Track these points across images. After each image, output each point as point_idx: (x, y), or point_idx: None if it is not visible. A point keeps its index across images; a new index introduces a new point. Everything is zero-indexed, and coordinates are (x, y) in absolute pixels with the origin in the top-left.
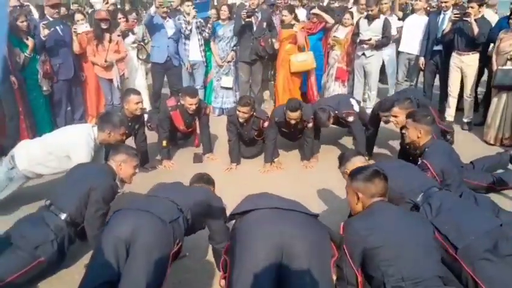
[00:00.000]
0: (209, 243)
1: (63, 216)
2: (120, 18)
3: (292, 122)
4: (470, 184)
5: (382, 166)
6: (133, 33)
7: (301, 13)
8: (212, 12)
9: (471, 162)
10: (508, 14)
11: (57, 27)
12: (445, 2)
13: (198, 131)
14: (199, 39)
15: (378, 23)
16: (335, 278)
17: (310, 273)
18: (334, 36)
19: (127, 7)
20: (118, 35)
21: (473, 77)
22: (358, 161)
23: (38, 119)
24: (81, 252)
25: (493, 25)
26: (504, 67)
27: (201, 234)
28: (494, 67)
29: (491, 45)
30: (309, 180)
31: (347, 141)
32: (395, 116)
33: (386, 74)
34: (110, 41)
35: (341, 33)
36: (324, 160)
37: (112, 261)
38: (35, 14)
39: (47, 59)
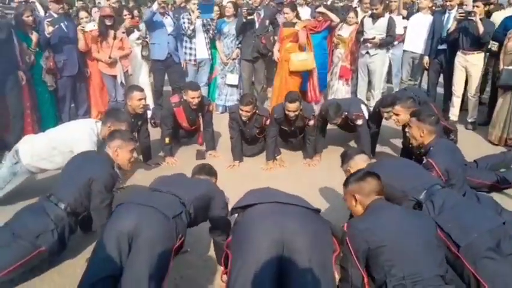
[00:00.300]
0: (210, 236)
1: (62, 206)
2: (125, 15)
3: (291, 114)
4: (473, 182)
5: (384, 164)
6: (139, 30)
7: (306, 11)
8: (215, 9)
9: (474, 160)
10: None
11: (62, 24)
12: (450, 1)
13: (202, 129)
14: (205, 37)
15: (382, 22)
16: (337, 276)
17: (311, 268)
18: (338, 35)
19: (131, 4)
20: (123, 32)
21: (477, 77)
22: (361, 160)
23: (43, 114)
24: (82, 246)
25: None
26: (510, 67)
27: (203, 229)
28: (501, 66)
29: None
30: (312, 178)
31: (351, 141)
32: (397, 114)
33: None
34: (114, 37)
35: (345, 31)
36: (327, 158)
37: (114, 255)
38: (40, 11)
39: (51, 55)
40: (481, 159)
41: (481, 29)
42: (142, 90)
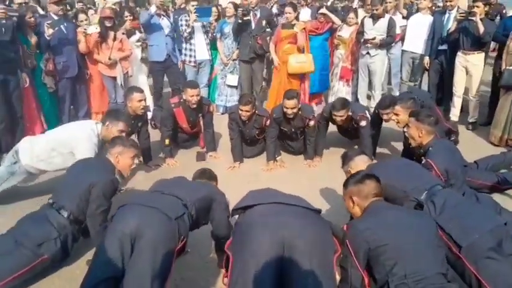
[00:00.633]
0: (212, 238)
1: (65, 214)
2: (127, 17)
3: (289, 112)
4: (474, 183)
5: (385, 165)
6: (140, 32)
7: (306, 12)
8: (213, 10)
9: (475, 161)
10: None
11: (62, 26)
12: (450, 1)
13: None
14: (205, 38)
15: (383, 22)
16: (338, 277)
17: (312, 268)
18: (338, 36)
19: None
20: (123, 33)
21: (478, 77)
22: (361, 161)
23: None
24: (82, 249)
25: None
26: (511, 67)
27: (204, 231)
28: (503, 66)
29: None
30: (312, 179)
31: (352, 143)
32: (397, 115)
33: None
34: (114, 39)
35: (346, 32)
36: (328, 160)
37: (116, 256)
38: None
39: (51, 57)
40: (481, 160)
41: (481, 29)
42: (142, 91)
